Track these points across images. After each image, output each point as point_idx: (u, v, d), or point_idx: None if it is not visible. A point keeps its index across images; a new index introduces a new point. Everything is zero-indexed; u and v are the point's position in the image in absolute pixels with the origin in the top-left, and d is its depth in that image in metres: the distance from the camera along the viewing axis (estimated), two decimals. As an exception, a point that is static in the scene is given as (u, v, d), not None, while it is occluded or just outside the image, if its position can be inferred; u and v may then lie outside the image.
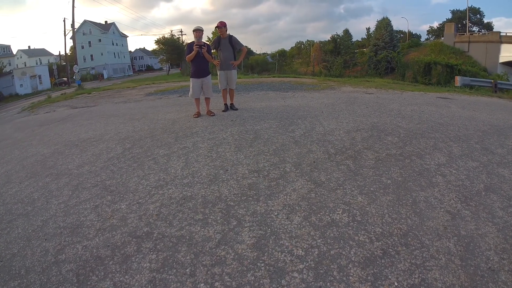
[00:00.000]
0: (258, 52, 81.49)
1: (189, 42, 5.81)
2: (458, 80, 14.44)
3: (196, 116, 5.91)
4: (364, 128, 4.58)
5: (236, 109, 6.45)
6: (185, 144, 4.14)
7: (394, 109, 6.10)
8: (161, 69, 49.16)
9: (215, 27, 6.24)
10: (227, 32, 6.19)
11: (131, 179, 3.09)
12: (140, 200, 2.61)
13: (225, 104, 6.52)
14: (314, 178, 2.84)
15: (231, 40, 6.17)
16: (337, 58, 36.71)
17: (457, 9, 59.02)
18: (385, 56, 34.67)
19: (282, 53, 54.80)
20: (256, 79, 15.47)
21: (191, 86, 5.89)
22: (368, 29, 54.81)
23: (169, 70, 39.73)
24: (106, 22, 59.42)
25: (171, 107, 7.61)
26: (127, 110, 7.78)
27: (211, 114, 5.97)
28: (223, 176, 2.93)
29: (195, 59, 5.64)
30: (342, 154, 3.48)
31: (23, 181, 3.59)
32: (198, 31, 5.65)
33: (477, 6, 58.71)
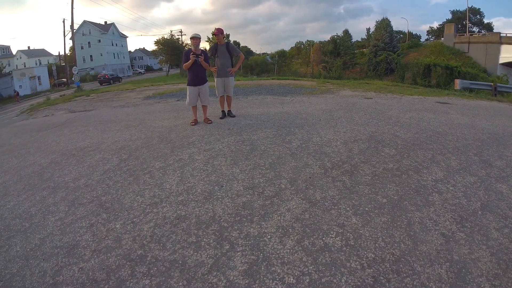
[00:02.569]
0: (257, 52, 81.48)
1: (186, 49, 5.80)
2: (458, 83, 14.41)
3: (193, 124, 5.90)
4: (361, 138, 4.57)
5: (234, 116, 6.45)
6: (181, 155, 4.14)
7: (392, 116, 6.09)
8: (160, 69, 49.11)
9: (213, 34, 6.22)
10: (224, 39, 6.19)
11: (127, 195, 3.09)
12: (134, 219, 2.61)
13: (223, 111, 6.52)
14: (309, 197, 2.84)
15: (228, 47, 6.17)
16: (337, 60, 36.66)
17: (457, 9, 58.93)
18: (384, 58, 34.65)
19: (281, 54, 54.77)
20: (255, 82, 15.45)
21: (188, 94, 5.88)
22: (368, 29, 54.83)
23: (168, 70, 39.71)
24: (105, 22, 59.51)
25: (168, 112, 7.61)
26: (125, 116, 7.77)
27: (209, 122, 5.96)
28: (218, 193, 2.93)
29: (192, 67, 5.63)
30: (339, 169, 3.47)
31: (20, 194, 3.59)
32: (195, 39, 5.65)
33: (477, 7, 58.70)
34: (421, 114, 6.36)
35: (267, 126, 5.48)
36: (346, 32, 43.47)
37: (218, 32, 6.08)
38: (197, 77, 5.77)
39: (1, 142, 7.24)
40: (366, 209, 2.66)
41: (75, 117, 8.94)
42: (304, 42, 56.99)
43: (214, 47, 6.18)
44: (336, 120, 5.82)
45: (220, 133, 5.17)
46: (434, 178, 3.20)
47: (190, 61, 5.50)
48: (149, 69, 67.83)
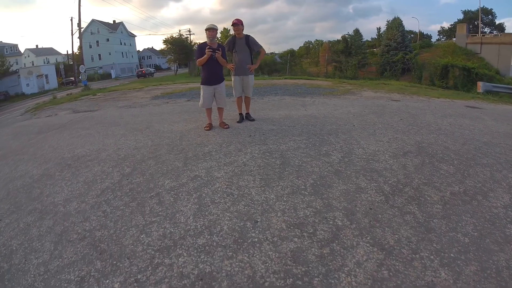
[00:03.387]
0: (266, 52, 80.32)
1: (200, 42, 5.05)
2: (481, 86, 13.77)
3: (208, 128, 5.14)
4: (410, 150, 3.78)
5: (253, 120, 5.67)
6: (196, 171, 3.37)
7: (431, 122, 5.34)
8: (169, 68, 48.53)
9: (231, 25, 5.42)
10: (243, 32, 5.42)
11: (128, 230, 2.32)
12: (139, 276, 1.84)
13: (240, 114, 5.75)
14: (379, 240, 2.05)
15: (248, 40, 5.39)
16: (352, 59, 35.51)
17: (468, 9, 57.31)
18: (401, 57, 33.49)
19: (291, 53, 53.80)
20: (268, 81, 14.68)
21: (201, 94, 5.11)
22: (378, 28, 53.64)
23: (176, 70, 39.05)
24: (114, 21, 59.14)
25: (178, 114, 6.86)
26: (131, 118, 7.05)
27: (225, 126, 5.19)
28: (253, 234, 2.14)
29: (207, 63, 4.85)
30: (401, 194, 2.67)
31: (4, 217, 2.89)
32: (211, 30, 4.86)
33: (488, 7, 56.99)
34: (458, 120, 5.65)
35: (295, 132, 4.69)
36: (356, 31, 42.29)
37: (238, 22, 5.29)
38: (213, 74, 5.00)
39: None
40: (452, 255, 1.94)
41: (78, 118, 8.25)
42: (312, 42, 55.98)
43: (232, 41, 5.40)
44: (371, 126, 5.02)
45: (240, 141, 4.40)
46: (502, 204, 2.54)
47: (205, 56, 4.73)
48: (157, 68, 67.47)
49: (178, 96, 10.54)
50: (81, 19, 29.28)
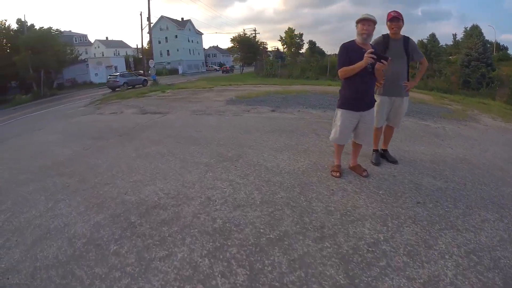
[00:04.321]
0: (328, 53, 76.39)
1: (344, 42, 3.10)
2: None
3: (337, 174, 3.27)
4: None
5: (395, 162, 3.67)
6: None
7: None
8: (233, 67, 48.17)
9: (388, 20, 3.45)
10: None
11: None
12: None
13: (376, 151, 3.78)
14: None
15: (408, 44, 3.41)
16: (445, 68, 31.12)
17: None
18: (485, 71, 28.37)
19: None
20: None
21: (338, 123, 3.17)
22: (454, 35, 47.32)
23: (242, 69, 38.16)
24: (182, 19, 60.54)
25: (273, 135, 5.09)
26: (210, 132, 5.47)
27: (364, 173, 3.27)
28: None
29: (358, 75, 2.92)
30: None
31: None
32: (366, 23, 2.92)
33: None
34: None
35: (479, 203, 2.60)
36: (432, 36, 37.45)
37: (399, 16, 3.35)
38: (364, 94, 3.05)
39: (41, 149, 5.47)
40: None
41: (145, 122, 6.98)
42: None
43: (383, 42, 3.44)
44: None
45: (411, 215, 2.45)
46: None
47: (361, 63, 2.80)
48: (221, 66, 68.26)
49: (257, 102, 8.83)
50: (150, 15, 29.61)
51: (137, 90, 16.03)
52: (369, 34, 2.92)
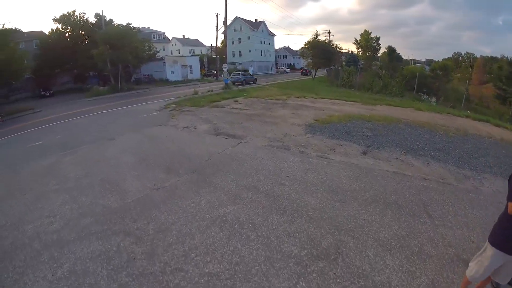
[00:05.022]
0: (405, 58, 69.02)
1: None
2: None
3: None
4: None
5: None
6: None
7: None
8: (310, 71, 47.06)
9: None
10: None
11: None
12: None
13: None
14: None
15: None
16: None
17: None
18: None
19: (443, 67, 44.28)
20: (448, 121, 9.99)
21: (486, 263, 2.13)
22: None
23: (315, 74, 36.59)
24: (256, 20, 60.76)
25: (376, 208, 3.92)
26: (296, 189, 4.53)
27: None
28: None
29: None
30: None
31: None
32: None
33: None
34: None
35: None
36: None
37: None
38: None
39: (110, 174, 5.10)
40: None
41: (219, 152, 6.37)
42: (462, 54, 44.89)
43: None
44: None
45: None
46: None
47: None
48: (291, 68, 67.12)
49: (341, 133, 7.57)
50: (227, 18, 29.93)
51: (210, 97, 15.94)
52: None
